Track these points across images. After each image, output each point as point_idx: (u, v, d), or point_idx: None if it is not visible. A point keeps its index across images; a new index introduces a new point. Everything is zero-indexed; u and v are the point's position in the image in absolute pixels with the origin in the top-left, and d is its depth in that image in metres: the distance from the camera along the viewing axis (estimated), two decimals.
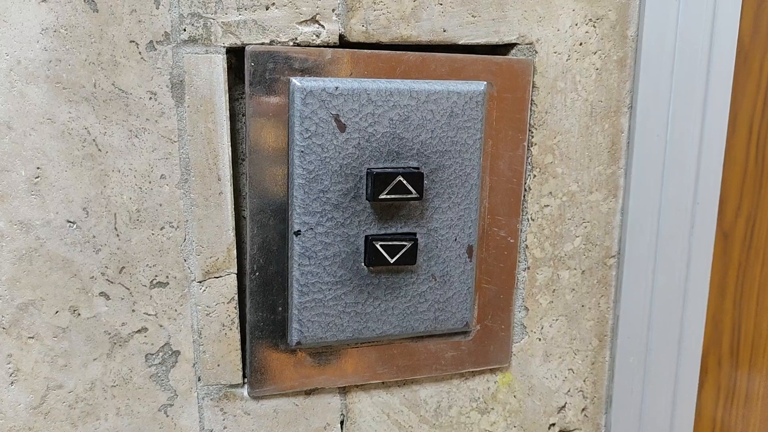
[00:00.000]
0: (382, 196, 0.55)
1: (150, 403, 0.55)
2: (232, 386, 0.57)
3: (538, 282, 0.65)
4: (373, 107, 0.54)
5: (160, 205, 0.52)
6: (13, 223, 0.49)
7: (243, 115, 0.54)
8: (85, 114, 0.49)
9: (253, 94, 0.52)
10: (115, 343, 0.53)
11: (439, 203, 0.58)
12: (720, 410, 0.87)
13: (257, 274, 0.55)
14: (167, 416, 0.55)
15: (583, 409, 0.70)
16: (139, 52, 0.49)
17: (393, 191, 0.55)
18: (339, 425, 0.61)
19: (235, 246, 0.54)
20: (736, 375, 0.83)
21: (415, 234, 0.58)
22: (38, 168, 0.48)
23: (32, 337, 0.51)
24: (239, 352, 0.56)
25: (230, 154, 0.53)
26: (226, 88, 0.51)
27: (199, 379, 0.56)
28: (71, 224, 0.50)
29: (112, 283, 0.52)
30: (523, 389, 0.67)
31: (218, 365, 0.56)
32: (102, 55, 0.48)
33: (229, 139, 0.52)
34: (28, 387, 0.51)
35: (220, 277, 0.54)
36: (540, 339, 0.66)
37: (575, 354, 0.68)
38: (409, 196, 0.55)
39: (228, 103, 0.52)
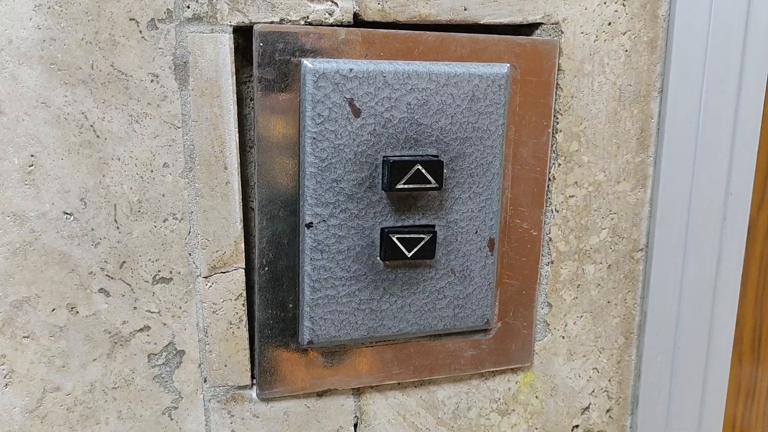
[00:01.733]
0: (399, 186, 0.51)
1: (153, 405, 0.52)
2: (239, 388, 0.54)
3: (562, 277, 0.61)
4: (389, 91, 0.51)
5: (163, 195, 0.48)
6: (5, 215, 0.45)
7: (251, 100, 0.51)
8: (82, 98, 0.45)
9: (261, 76, 0.48)
10: (115, 343, 0.50)
11: (459, 193, 0.55)
12: (740, 408, 0.84)
13: (266, 269, 0.52)
14: (171, 419, 0.52)
15: (608, 410, 0.67)
16: (140, 31, 0.46)
17: (411, 180, 0.51)
18: (353, 428, 0.58)
19: (242, 239, 0.51)
20: (757, 372, 0.80)
21: (433, 226, 0.54)
22: (32, 156, 0.45)
23: (27, 337, 0.48)
24: (247, 351, 0.53)
25: (237, 141, 0.49)
26: (233, 70, 0.48)
27: (205, 381, 0.53)
28: (68, 216, 0.47)
29: (112, 278, 0.48)
30: (546, 389, 0.64)
31: (225, 365, 0.53)
32: (100, 34, 0.45)
33: (237, 125, 0.49)
34: (23, 389, 0.48)
35: (227, 272, 0.51)
36: (563, 337, 0.63)
37: (600, 352, 0.65)
38: (427, 185, 0.52)
39: (235, 87, 0.48)
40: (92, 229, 0.47)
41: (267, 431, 0.55)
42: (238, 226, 0.51)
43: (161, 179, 0.48)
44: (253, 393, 0.54)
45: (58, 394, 0.49)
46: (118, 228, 0.48)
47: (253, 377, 0.54)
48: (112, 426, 0.51)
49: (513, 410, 0.63)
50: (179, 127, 0.48)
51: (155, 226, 0.49)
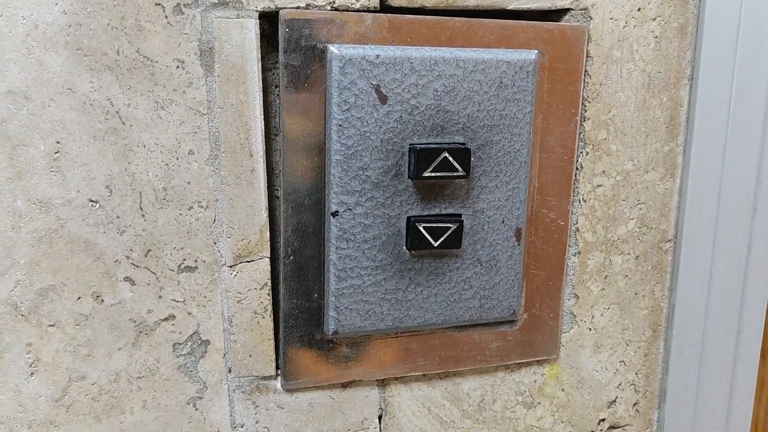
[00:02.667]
0: (425, 174, 0.50)
1: (178, 395, 0.51)
2: (264, 378, 0.53)
3: (589, 268, 0.60)
4: (416, 77, 0.50)
5: (188, 183, 0.48)
6: (31, 202, 0.45)
7: (276, 87, 0.50)
8: (108, 84, 0.45)
9: (287, 62, 0.48)
10: (140, 332, 0.49)
11: (486, 182, 0.54)
12: (764, 405, 0.82)
13: (291, 258, 0.51)
14: (196, 410, 0.52)
15: (634, 404, 0.66)
16: (166, 16, 0.45)
17: (437, 168, 0.51)
18: (377, 420, 0.57)
19: (268, 228, 0.50)
20: None
21: (460, 215, 0.53)
22: (58, 142, 0.45)
23: (53, 325, 0.47)
24: (272, 341, 0.53)
25: (263, 128, 0.49)
26: (259, 56, 0.47)
27: (229, 371, 0.52)
28: (94, 203, 0.46)
29: (137, 267, 0.48)
30: (572, 382, 0.63)
31: (250, 356, 0.52)
32: (125, 19, 0.44)
33: (262, 112, 0.48)
34: (49, 378, 0.48)
35: (253, 261, 0.51)
36: (590, 329, 0.62)
37: (627, 345, 0.64)
38: (454, 174, 0.51)
39: (260, 73, 0.48)
40: (118, 217, 0.47)
41: (291, 422, 0.55)
42: (264, 215, 0.50)
43: (186, 166, 0.48)
44: (278, 383, 0.54)
45: (84, 383, 0.49)
46: (143, 216, 0.47)
47: (277, 368, 0.54)
48: (137, 416, 0.50)
49: (539, 403, 0.62)
50: (204, 114, 0.47)
51: (180, 214, 0.48)
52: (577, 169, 0.58)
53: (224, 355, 0.52)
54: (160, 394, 0.51)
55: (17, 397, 0.47)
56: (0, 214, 0.44)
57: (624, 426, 0.66)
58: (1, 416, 0.47)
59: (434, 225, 0.52)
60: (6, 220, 0.45)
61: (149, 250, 0.48)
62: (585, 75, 0.56)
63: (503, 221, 0.55)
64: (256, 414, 0.53)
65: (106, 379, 0.49)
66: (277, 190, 0.51)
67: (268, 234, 0.51)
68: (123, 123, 0.46)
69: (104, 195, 0.46)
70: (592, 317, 0.62)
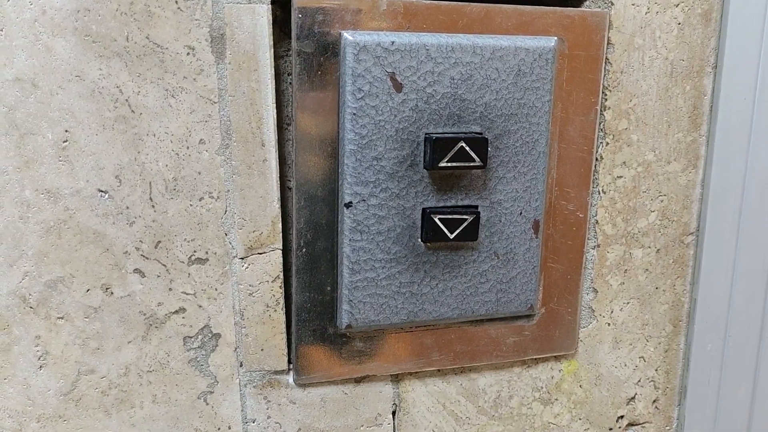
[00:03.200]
0: (441, 164, 0.49)
1: (188, 390, 0.50)
2: (276, 373, 0.52)
3: (608, 261, 0.59)
4: (432, 65, 0.49)
5: (199, 173, 0.47)
6: (39, 192, 0.44)
7: (289, 75, 0.49)
8: (117, 71, 0.44)
9: (300, 49, 0.47)
10: (150, 325, 0.48)
11: (503, 173, 0.52)
12: None
13: (304, 250, 0.50)
14: (207, 404, 0.51)
15: (654, 401, 0.64)
16: (176, 2, 0.44)
17: (454, 159, 0.49)
18: (391, 415, 0.56)
19: (280, 219, 0.49)
20: None
21: (476, 207, 0.52)
22: (66, 131, 0.44)
23: (62, 318, 0.46)
24: (284, 335, 0.52)
25: (275, 117, 0.47)
26: (271, 43, 0.46)
27: (241, 365, 0.51)
28: (103, 194, 0.45)
29: (147, 258, 0.47)
30: (590, 378, 0.61)
31: (262, 350, 0.51)
32: (135, 5, 0.43)
33: (275, 101, 0.47)
34: (58, 371, 0.47)
35: (264, 253, 0.49)
36: (609, 324, 0.61)
37: (647, 341, 0.62)
38: (471, 164, 0.50)
39: (273, 61, 0.47)
40: (127, 208, 0.46)
41: (303, 418, 0.54)
42: (276, 206, 0.49)
43: (197, 156, 0.47)
44: (290, 378, 0.53)
45: (93, 376, 0.48)
46: (153, 206, 0.46)
47: (289, 362, 0.53)
48: (147, 410, 0.50)
49: (556, 399, 0.61)
50: (216, 102, 0.46)
51: (191, 205, 0.47)
52: (596, 159, 0.56)
53: (235, 349, 0.51)
54: (170, 389, 0.50)
55: (26, 391, 0.47)
56: (8, 204, 0.44)
57: (643, 423, 0.64)
58: (9, 410, 0.47)
59: (450, 217, 0.51)
60: (14, 210, 0.44)
61: (159, 242, 0.47)
62: (606, 63, 0.54)
63: (521, 213, 0.54)
64: (267, 409, 0.52)
65: (115, 373, 0.48)
66: (290, 180, 0.50)
67: (280, 225, 0.49)
68: (132, 111, 0.45)
69: (113, 185, 0.45)
70: (611, 312, 0.60)
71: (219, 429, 0.52)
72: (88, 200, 0.45)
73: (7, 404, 0.46)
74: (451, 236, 0.51)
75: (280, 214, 0.49)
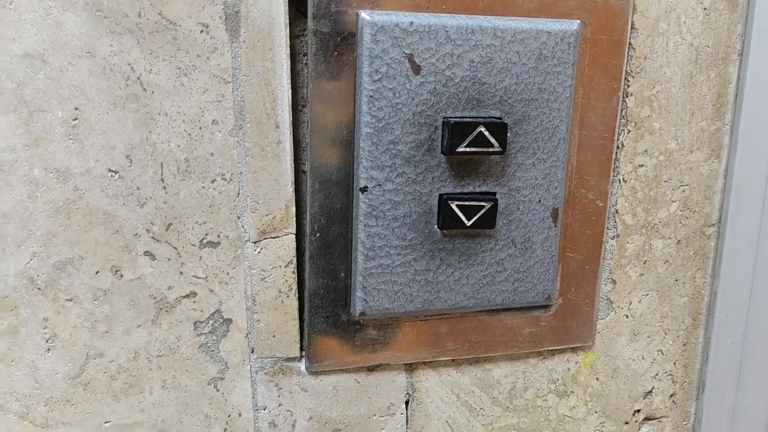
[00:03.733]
0: (460, 149, 0.48)
1: (199, 375, 0.49)
2: (288, 360, 0.51)
3: (627, 252, 0.58)
4: (451, 47, 0.47)
5: (212, 154, 0.46)
6: (48, 171, 0.43)
7: (304, 55, 0.48)
8: (129, 48, 0.43)
9: (316, 29, 0.45)
10: (161, 309, 0.47)
11: (522, 159, 0.51)
12: None
13: (318, 235, 0.49)
14: (217, 391, 0.50)
15: (671, 395, 0.63)
16: None
17: (472, 144, 0.48)
18: (404, 405, 0.55)
19: (294, 203, 0.48)
20: None
21: (494, 194, 0.51)
22: (76, 109, 0.43)
23: (70, 300, 0.45)
24: (296, 321, 0.51)
25: (290, 98, 0.46)
26: (287, 21, 0.45)
27: (252, 351, 0.50)
28: (113, 174, 0.44)
29: (157, 241, 0.46)
30: (607, 371, 0.60)
31: (273, 336, 0.50)
32: None
33: (290, 82, 0.46)
34: (66, 355, 0.46)
35: (278, 237, 0.48)
36: (627, 316, 0.59)
37: (665, 333, 0.61)
38: (490, 149, 0.49)
39: (288, 40, 0.45)
40: (138, 189, 0.45)
41: (315, 406, 0.53)
42: (289, 189, 0.48)
43: (210, 137, 0.45)
44: (302, 365, 0.52)
45: (102, 360, 0.47)
46: (164, 188, 0.45)
47: (301, 349, 0.52)
48: (156, 395, 0.49)
49: (572, 392, 0.59)
50: (229, 82, 0.45)
51: (203, 187, 0.46)
52: (618, 147, 0.55)
53: (247, 334, 0.50)
54: (180, 374, 0.49)
55: (33, 374, 0.46)
56: (16, 182, 0.43)
57: (660, 418, 0.63)
58: (17, 393, 0.46)
59: (467, 203, 0.50)
60: (22, 189, 0.43)
61: (170, 224, 0.46)
62: (629, 48, 0.53)
63: (539, 201, 0.52)
64: (279, 396, 0.52)
65: (124, 357, 0.47)
66: (304, 164, 0.49)
67: (293, 209, 0.48)
68: (144, 90, 0.44)
69: (124, 165, 0.44)
70: (630, 304, 0.59)
71: (229, 416, 0.51)
72: (98, 180, 0.44)
73: (15, 387, 0.46)
74: (468, 223, 0.50)
75: (294, 198, 0.48)
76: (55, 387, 0.46)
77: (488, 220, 0.50)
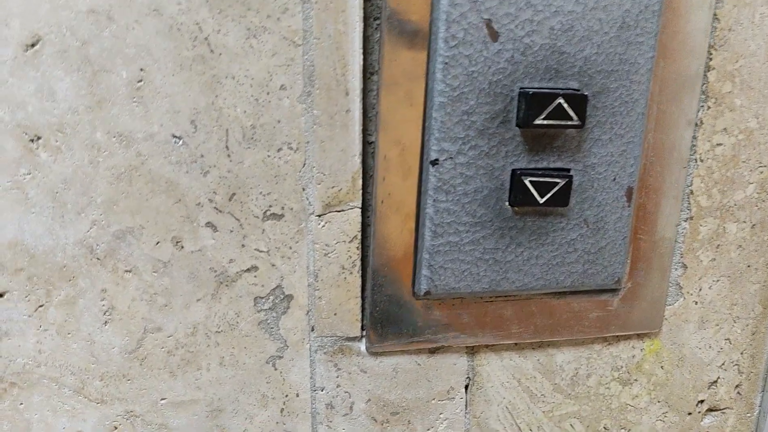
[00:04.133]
0: (537, 122, 0.45)
1: (257, 353, 0.47)
2: (348, 339, 0.49)
3: (700, 235, 0.55)
4: (531, 12, 0.45)
5: (279, 121, 0.44)
6: (111, 135, 0.41)
7: (376, 19, 0.45)
8: (197, 6, 0.40)
9: None
10: (221, 283, 0.45)
11: (599, 134, 0.48)
12: None
13: (384, 210, 0.47)
14: (275, 369, 0.48)
15: (737, 386, 0.60)
16: None
17: (550, 116, 0.46)
18: (464, 389, 0.53)
19: (360, 175, 0.46)
20: None
21: (568, 170, 0.48)
22: (141, 70, 0.41)
23: (129, 271, 0.44)
24: (359, 300, 0.48)
25: (362, 63, 0.44)
26: None
27: (312, 329, 0.48)
28: (177, 140, 0.42)
29: (220, 212, 0.44)
30: (672, 359, 0.58)
31: (335, 314, 0.48)
32: None
33: (362, 46, 0.44)
34: (123, 328, 0.44)
35: (343, 211, 0.46)
36: (696, 302, 0.57)
37: (735, 322, 0.58)
38: (568, 122, 0.46)
39: (362, 2, 0.43)
40: (202, 156, 0.43)
41: (374, 388, 0.51)
42: (357, 161, 0.46)
43: (277, 103, 0.43)
44: (362, 346, 0.50)
45: (159, 335, 0.45)
46: (229, 156, 0.43)
47: (362, 329, 0.49)
48: (214, 373, 0.47)
49: (635, 380, 0.57)
50: (299, 45, 0.43)
51: (268, 156, 0.44)
52: (696, 125, 0.52)
53: (307, 312, 0.48)
54: (238, 351, 0.47)
55: (90, 347, 0.44)
56: (78, 146, 0.41)
57: (723, 409, 0.61)
58: (72, 366, 0.44)
59: (541, 179, 0.47)
60: (84, 153, 0.41)
61: (234, 194, 0.44)
62: (713, 18, 0.50)
63: (614, 179, 0.50)
64: (337, 377, 0.49)
65: (182, 332, 0.45)
66: (371, 135, 0.47)
67: (360, 182, 0.46)
68: (212, 51, 0.41)
69: (188, 131, 0.42)
70: (700, 290, 0.56)
71: (286, 396, 0.49)
72: (162, 146, 0.42)
73: (70, 360, 0.44)
74: (541, 201, 0.47)
75: (362, 170, 0.46)
76: (111, 361, 0.45)
77: (562, 198, 0.48)
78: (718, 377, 0.59)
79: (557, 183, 0.47)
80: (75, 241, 0.42)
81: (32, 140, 0.40)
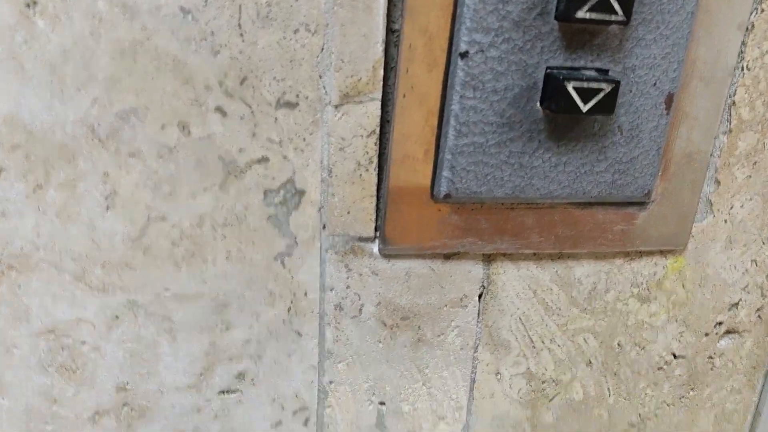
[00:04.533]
0: (578, 15, 0.41)
1: (265, 249, 0.45)
2: (361, 239, 0.47)
3: (738, 150, 0.52)
4: None
5: (296, 0, 0.40)
6: (114, 4, 0.38)
7: None
8: None
9: None
10: (229, 173, 0.43)
11: (643, 33, 0.44)
12: None
13: (406, 103, 0.43)
14: (284, 267, 0.46)
15: (758, 309, 0.58)
16: None
17: (593, 9, 0.42)
18: (477, 298, 0.51)
19: (382, 65, 0.42)
20: None
21: (607, 71, 0.45)
22: None
23: (133, 155, 0.41)
24: (374, 199, 0.46)
25: None
26: None
27: (323, 227, 0.46)
28: (186, 13, 0.39)
29: (230, 96, 0.41)
30: (695, 279, 0.55)
31: (348, 212, 0.46)
32: None
33: None
34: (126, 215, 0.42)
35: (362, 102, 0.43)
36: (726, 221, 0.54)
37: (763, 243, 0.56)
38: (612, 17, 0.42)
39: None
40: (212, 33, 0.39)
41: (385, 291, 0.49)
42: (379, 48, 0.42)
43: None
44: (375, 247, 0.47)
45: (164, 224, 0.43)
46: (241, 35, 0.40)
47: (376, 229, 0.47)
48: (220, 267, 0.45)
49: (655, 298, 0.55)
50: None
51: (284, 38, 0.40)
52: (747, 29, 0.48)
53: (319, 209, 0.45)
54: (245, 246, 0.45)
55: (91, 233, 0.42)
56: (78, 15, 0.37)
57: (741, 332, 0.59)
58: (72, 251, 0.42)
59: (585, 85, 0.43)
60: (84, 24, 0.38)
61: (245, 78, 0.41)
62: None
63: (655, 83, 0.46)
64: (348, 278, 0.48)
65: (188, 223, 0.43)
66: (395, 22, 0.43)
67: (381, 72, 0.43)
68: None
69: (198, 4, 0.39)
70: (731, 207, 0.54)
71: (294, 294, 0.47)
72: (169, 20, 0.39)
73: (70, 245, 0.42)
74: (585, 109, 0.44)
75: (383, 60, 0.42)
76: (113, 249, 0.43)
77: (607, 106, 0.44)
78: (740, 299, 0.57)
79: (602, 89, 0.44)
80: (75, 119, 0.39)
81: (28, 5, 0.37)
